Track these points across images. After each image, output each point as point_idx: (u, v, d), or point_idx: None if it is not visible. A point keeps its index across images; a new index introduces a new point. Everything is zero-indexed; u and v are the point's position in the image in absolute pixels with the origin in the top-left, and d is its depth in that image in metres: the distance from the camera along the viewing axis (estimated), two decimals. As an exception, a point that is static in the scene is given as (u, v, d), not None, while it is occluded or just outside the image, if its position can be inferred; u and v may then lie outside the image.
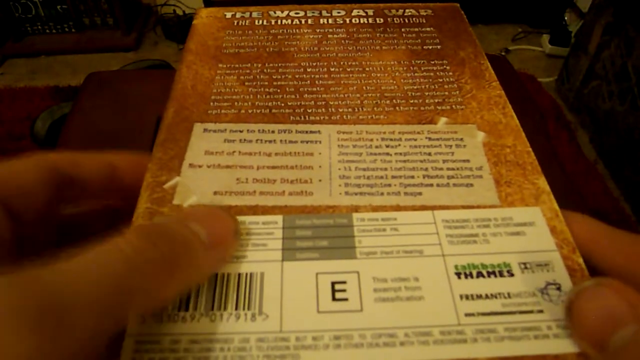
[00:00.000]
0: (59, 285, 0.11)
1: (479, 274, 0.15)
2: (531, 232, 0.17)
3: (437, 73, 0.23)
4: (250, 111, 0.21)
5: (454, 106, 0.21)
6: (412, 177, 0.18)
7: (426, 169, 0.19)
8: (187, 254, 0.14)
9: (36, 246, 0.17)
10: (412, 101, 0.21)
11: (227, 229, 0.16)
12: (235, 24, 0.26)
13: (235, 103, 0.21)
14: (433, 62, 0.24)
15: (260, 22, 0.27)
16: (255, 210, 0.17)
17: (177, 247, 0.14)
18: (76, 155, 0.18)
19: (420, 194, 0.18)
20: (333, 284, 0.15)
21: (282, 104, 0.21)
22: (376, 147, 0.19)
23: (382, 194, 0.18)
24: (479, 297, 0.15)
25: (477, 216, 0.17)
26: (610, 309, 0.13)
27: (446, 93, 0.22)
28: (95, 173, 0.18)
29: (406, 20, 0.27)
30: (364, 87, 0.22)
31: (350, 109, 0.21)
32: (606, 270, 0.16)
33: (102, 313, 0.11)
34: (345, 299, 0.15)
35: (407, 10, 0.28)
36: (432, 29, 0.26)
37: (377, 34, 0.26)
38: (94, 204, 0.19)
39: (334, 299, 0.15)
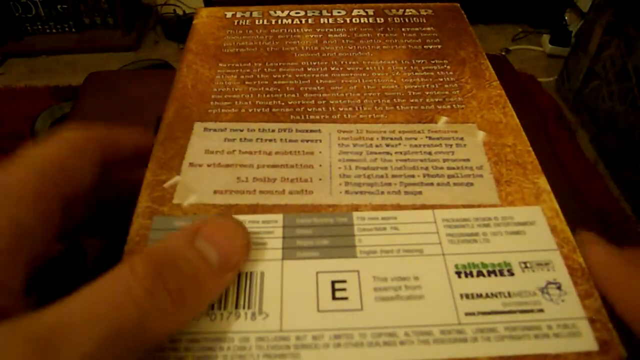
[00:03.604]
0: (62, 330, 0.11)
1: (479, 273, 0.15)
2: (531, 231, 0.17)
3: (438, 72, 0.23)
4: (250, 110, 0.21)
5: (454, 105, 0.21)
6: (413, 176, 0.18)
7: (426, 168, 0.19)
8: (197, 289, 0.14)
9: (76, 222, 0.17)
10: (412, 100, 0.21)
11: (238, 246, 0.15)
12: (236, 23, 0.26)
13: (236, 102, 0.21)
14: (433, 62, 0.24)
15: (261, 21, 0.27)
16: (255, 209, 0.17)
17: (187, 285, 0.13)
18: (111, 133, 0.18)
19: (420, 193, 0.18)
20: (333, 282, 0.15)
21: (283, 103, 0.21)
22: (376, 146, 0.19)
23: (382, 193, 0.18)
24: (479, 296, 0.15)
25: (477, 215, 0.17)
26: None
27: (446, 92, 0.22)
28: (126, 151, 0.18)
29: (406, 20, 0.27)
30: (365, 87, 0.22)
31: (350, 108, 0.21)
32: (616, 294, 0.15)
33: (111, 357, 0.11)
34: (346, 298, 0.15)
35: (407, 10, 0.28)
36: (432, 28, 0.26)
37: (378, 34, 0.26)
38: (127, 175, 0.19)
39: (334, 298, 0.15)
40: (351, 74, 0.23)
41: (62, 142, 0.16)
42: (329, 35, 0.25)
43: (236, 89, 0.22)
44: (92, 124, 0.17)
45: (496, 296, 0.15)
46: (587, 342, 0.14)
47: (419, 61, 0.24)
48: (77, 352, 0.11)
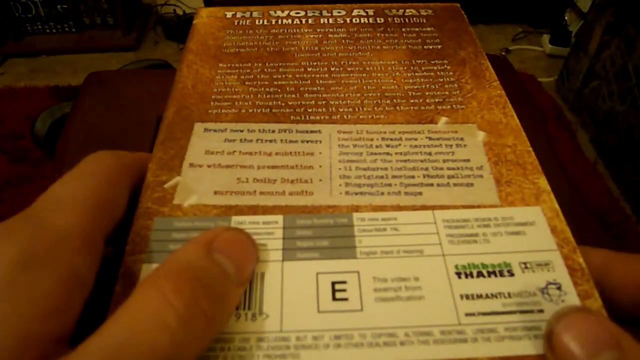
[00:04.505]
0: None
1: (479, 274, 0.15)
2: (531, 231, 0.17)
3: (438, 73, 0.23)
4: (250, 111, 0.21)
5: (454, 106, 0.21)
6: (413, 176, 0.18)
7: (426, 169, 0.19)
8: (225, 304, 0.13)
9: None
10: (412, 101, 0.21)
11: (251, 259, 0.15)
12: (236, 23, 0.26)
13: (236, 102, 0.21)
14: (433, 62, 0.24)
15: (261, 21, 0.27)
16: (255, 210, 0.17)
17: (218, 301, 0.13)
18: (138, 158, 0.18)
19: (420, 193, 0.18)
20: (333, 283, 0.15)
21: (283, 104, 0.21)
22: (376, 146, 0.19)
23: (382, 193, 0.18)
24: (479, 296, 0.15)
25: (477, 216, 0.17)
26: (591, 337, 0.12)
27: (446, 93, 0.22)
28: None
29: (406, 20, 0.27)
30: (365, 87, 0.22)
31: (350, 109, 0.21)
32: (622, 295, 0.15)
33: None
34: (346, 299, 0.15)
35: (407, 10, 0.28)
36: (432, 28, 0.26)
37: (378, 34, 0.26)
38: None
39: (334, 298, 0.15)
40: (351, 74, 0.23)
41: (99, 178, 0.15)
42: (329, 36, 0.25)
43: (236, 89, 0.22)
44: (120, 152, 0.17)
45: (496, 297, 0.15)
46: None
47: (419, 61, 0.24)
48: None
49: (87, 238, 0.14)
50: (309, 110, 0.21)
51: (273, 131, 0.20)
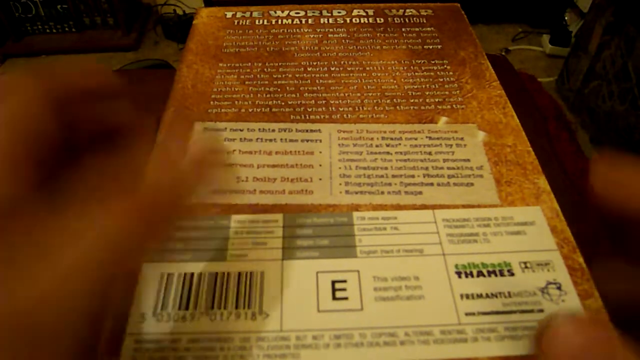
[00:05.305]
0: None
1: (480, 273, 0.15)
2: (532, 231, 0.17)
3: (438, 73, 0.23)
4: (250, 110, 0.21)
5: (454, 105, 0.21)
6: (413, 176, 0.18)
7: (426, 168, 0.19)
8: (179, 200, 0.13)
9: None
10: (412, 100, 0.21)
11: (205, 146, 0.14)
12: (236, 23, 0.26)
13: (236, 102, 0.21)
14: (433, 62, 0.24)
15: (261, 21, 0.27)
16: (255, 208, 0.17)
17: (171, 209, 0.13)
18: (63, 74, 0.16)
19: (420, 193, 0.18)
20: (333, 282, 0.15)
21: (283, 103, 0.21)
22: (376, 146, 0.19)
23: (382, 192, 0.18)
24: (480, 296, 0.15)
25: (477, 215, 0.17)
26: (578, 347, 0.12)
27: (446, 92, 0.22)
28: (88, 86, 0.16)
29: (406, 20, 0.27)
30: (365, 87, 0.22)
31: (350, 108, 0.21)
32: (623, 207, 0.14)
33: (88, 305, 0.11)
34: (346, 298, 0.15)
35: (407, 10, 0.28)
36: (432, 28, 0.26)
37: (378, 34, 0.26)
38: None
39: (334, 298, 0.15)
40: (351, 74, 0.23)
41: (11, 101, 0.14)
42: (329, 36, 0.25)
43: (236, 89, 0.22)
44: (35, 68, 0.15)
45: (496, 296, 0.15)
46: None
47: (419, 61, 0.24)
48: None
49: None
50: (309, 110, 0.21)
51: (273, 130, 0.20)
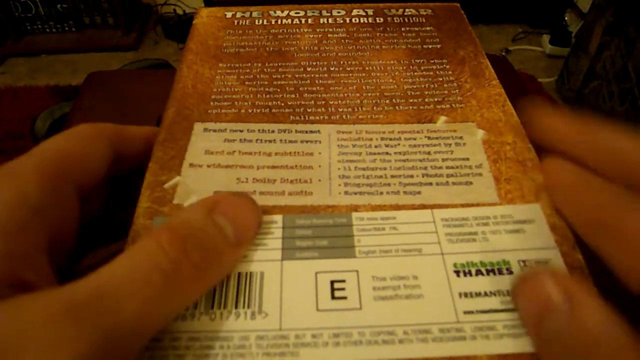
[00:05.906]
0: (99, 298, 0.11)
1: (478, 272, 0.15)
2: (531, 229, 0.17)
3: (437, 72, 0.23)
4: (250, 111, 0.21)
5: (453, 105, 0.21)
6: (412, 176, 0.18)
7: (425, 168, 0.19)
8: (217, 260, 0.14)
9: (90, 211, 0.18)
10: (411, 100, 0.22)
11: (252, 222, 0.16)
12: (236, 23, 0.26)
13: (236, 102, 0.21)
14: (433, 61, 0.24)
15: (261, 21, 0.27)
16: None
17: (209, 256, 0.14)
18: (121, 128, 0.19)
19: (419, 192, 0.18)
20: (332, 282, 0.15)
21: (282, 104, 0.21)
22: (376, 146, 0.19)
23: (381, 193, 0.18)
24: (478, 294, 0.15)
25: (476, 214, 0.17)
26: (544, 295, 0.13)
27: (446, 92, 0.22)
28: (137, 146, 0.19)
29: (406, 20, 0.27)
30: (364, 87, 0.22)
31: (349, 109, 0.21)
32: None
33: (138, 325, 0.12)
34: (345, 297, 0.15)
35: (407, 10, 0.28)
36: (432, 28, 0.26)
37: (377, 34, 0.26)
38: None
39: (333, 297, 0.15)
40: (350, 74, 0.23)
41: (71, 135, 0.17)
42: (329, 35, 0.25)
43: (236, 89, 0.22)
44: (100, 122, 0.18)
45: (495, 294, 0.15)
46: None
47: (418, 61, 0.24)
48: (116, 318, 0.11)
49: (42, 172, 0.15)
50: (309, 110, 0.21)
51: (272, 131, 0.20)
